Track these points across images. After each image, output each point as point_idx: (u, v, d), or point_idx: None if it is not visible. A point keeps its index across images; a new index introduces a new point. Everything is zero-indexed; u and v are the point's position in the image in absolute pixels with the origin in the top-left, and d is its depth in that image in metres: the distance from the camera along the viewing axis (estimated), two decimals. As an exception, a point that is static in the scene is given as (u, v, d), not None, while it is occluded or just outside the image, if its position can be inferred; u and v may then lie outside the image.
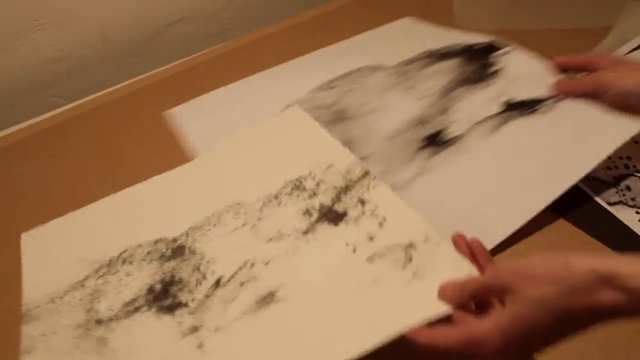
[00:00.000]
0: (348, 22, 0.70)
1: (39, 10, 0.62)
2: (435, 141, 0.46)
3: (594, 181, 0.45)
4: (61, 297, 0.38)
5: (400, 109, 0.49)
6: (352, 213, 0.39)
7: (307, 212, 0.40)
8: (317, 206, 0.40)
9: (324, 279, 0.35)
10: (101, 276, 0.39)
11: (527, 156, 0.44)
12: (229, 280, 0.37)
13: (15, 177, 0.51)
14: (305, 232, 0.39)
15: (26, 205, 0.48)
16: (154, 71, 0.63)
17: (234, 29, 0.80)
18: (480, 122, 0.46)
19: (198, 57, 0.65)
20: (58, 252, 0.41)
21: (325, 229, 0.39)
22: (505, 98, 0.48)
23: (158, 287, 0.37)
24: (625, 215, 0.42)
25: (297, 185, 0.42)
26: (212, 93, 0.57)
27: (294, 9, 0.75)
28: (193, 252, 0.39)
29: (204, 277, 0.37)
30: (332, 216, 0.39)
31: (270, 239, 0.39)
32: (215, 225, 0.41)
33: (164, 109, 0.56)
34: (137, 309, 0.36)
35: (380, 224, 0.38)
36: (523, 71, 0.50)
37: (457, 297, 0.31)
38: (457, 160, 0.44)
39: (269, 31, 0.69)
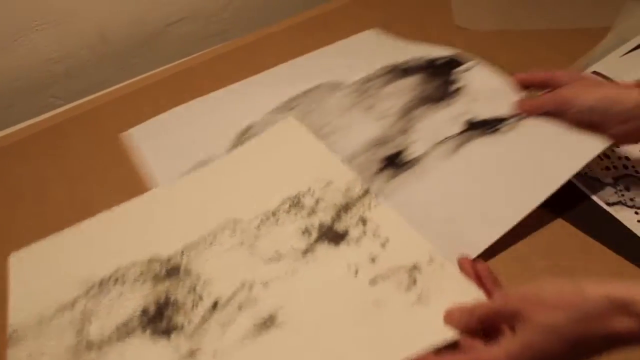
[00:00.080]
0: (347, 23, 0.70)
1: (37, 10, 0.62)
2: (395, 162, 0.44)
3: (593, 181, 0.45)
4: (50, 319, 0.36)
5: (360, 129, 0.48)
6: (353, 233, 0.38)
7: (306, 231, 0.39)
8: (316, 225, 0.39)
9: (325, 303, 0.34)
10: (92, 297, 0.37)
11: (489, 177, 0.42)
12: (226, 303, 0.35)
13: (14, 177, 0.51)
14: (305, 253, 0.37)
15: (25, 206, 0.48)
16: (153, 71, 0.63)
17: (234, 29, 0.80)
18: (440, 142, 0.45)
19: (198, 57, 0.65)
20: (47, 272, 0.39)
21: (325, 249, 0.37)
22: (466, 117, 0.47)
23: (152, 308, 0.36)
24: (624, 215, 0.42)
25: (296, 203, 0.41)
26: (169, 112, 0.54)
27: (294, 9, 0.74)
28: (188, 272, 0.37)
29: (200, 298, 0.36)
30: (332, 236, 0.38)
31: (269, 259, 0.37)
32: (211, 243, 0.39)
33: (163, 109, 0.56)
34: (130, 332, 0.35)
35: (383, 245, 0.37)
36: (485, 89, 0.49)
37: (465, 322, 0.31)
38: (415, 183, 0.43)
39: (268, 31, 0.69)
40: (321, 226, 0.39)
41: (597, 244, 0.41)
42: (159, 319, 0.35)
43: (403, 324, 0.32)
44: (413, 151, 0.45)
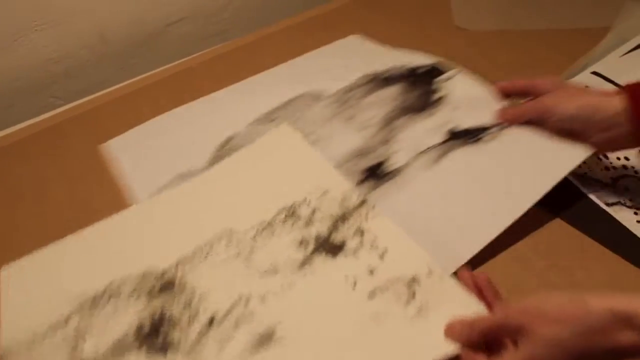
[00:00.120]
0: (347, 23, 0.70)
1: (37, 11, 0.62)
2: (376, 173, 0.44)
3: (592, 182, 0.45)
4: (43, 337, 0.35)
5: (341, 140, 0.47)
6: (351, 244, 0.37)
7: (303, 243, 0.38)
8: (313, 236, 0.38)
9: (324, 317, 0.34)
10: (86, 313, 0.36)
11: (471, 188, 0.42)
12: (223, 318, 0.34)
13: (14, 177, 0.51)
14: (302, 265, 0.37)
15: (25, 206, 0.48)
16: (152, 71, 0.63)
17: (234, 29, 0.80)
18: (422, 152, 0.45)
19: (197, 57, 0.65)
20: (39, 287, 0.38)
21: (322, 261, 0.37)
22: (448, 127, 0.46)
23: (147, 325, 0.35)
24: (624, 216, 0.42)
25: (292, 213, 0.40)
26: (148, 123, 0.53)
27: (293, 9, 0.74)
28: (184, 286, 0.36)
29: (197, 314, 0.35)
30: (329, 247, 0.37)
31: (265, 272, 0.36)
32: (206, 255, 0.38)
33: (163, 110, 0.56)
34: (126, 350, 0.33)
35: (381, 256, 0.36)
36: (467, 98, 0.49)
37: (466, 336, 0.30)
38: (397, 194, 0.42)
39: (268, 31, 0.69)
40: (318, 237, 0.38)
41: (596, 244, 0.41)
42: (154, 336, 0.34)
43: (403, 338, 0.32)
44: (395, 162, 0.44)
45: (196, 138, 0.50)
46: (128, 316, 0.35)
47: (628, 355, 0.26)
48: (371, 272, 0.35)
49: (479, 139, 0.44)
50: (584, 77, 0.56)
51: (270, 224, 0.39)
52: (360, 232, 0.38)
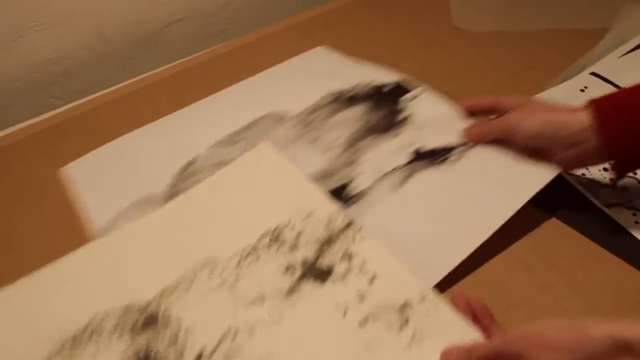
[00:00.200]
0: (347, 23, 0.70)
1: (36, 11, 0.62)
2: (341, 196, 0.43)
3: (592, 183, 0.46)
4: None
5: (305, 162, 0.46)
6: (339, 269, 0.36)
7: (289, 269, 0.36)
8: (299, 261, 0.37)
9: (315, 347, 0.33)
10: (66, 354, 0.33)
11: (436, 211, 0.41)
12: (211, 354, 0.33)
13: (13, 177, 0.51)
14: (289, 293, 0.35)
15: (24, 206, 0.48)
16: (152, 72, 0.63)
17: (233, 29, 0.80)
18: (387, 174, 0.44)
19: (197, 57, 0.65)
20: (13, 328, 0.35)
21: (310, 288, 0.35)
22: (414, 147, 0.46)
23: None
24: (623, 217, 0.43)
25: (276, 237, 0.38)
26: (108, 145, 0.51)
27: (293, 9, 0.74)
28: (168, 319, 0.35)
29: (184, 350, 0.33)
30: (317, 273, 0.36)
31: (252, 302, 0.35)
32: (189, 286, 0.36)
33: (162, 110, 0.56)
34: None
35: (370, 281, 0.35)
36: (432, 117, 0.48)
37: None
38: (361, 219, 0.41)
39: (268, 31, 0.69)
40: (304, 262, 0.37)
41: (595, 245, 0.41)
42: None
43: None
44: (359, 184, 0.43)
45: (156, 161, 0.48)
46: (112, 356, 0.33)
47: None
48: (361, 298, 0.34)
49: (445, 159, 0.44)
50: (583, 78, 0.57)
51: (254, 250, 0.38)
52: (348, 256, 0.37)
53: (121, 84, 0.62)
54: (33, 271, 0.39)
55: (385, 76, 0.54)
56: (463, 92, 0.58)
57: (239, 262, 0.37)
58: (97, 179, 0.48)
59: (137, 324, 0.35)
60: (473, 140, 0.45)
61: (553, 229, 0.42)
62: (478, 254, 0.39)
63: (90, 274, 0.38)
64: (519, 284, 0.39)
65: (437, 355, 0.31)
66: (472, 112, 0.47)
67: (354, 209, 0.42)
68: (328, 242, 0.38)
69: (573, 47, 0.62)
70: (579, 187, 0.45)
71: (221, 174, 0.45)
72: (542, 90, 0.56)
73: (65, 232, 0.44)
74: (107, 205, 0.45)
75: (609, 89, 0.55)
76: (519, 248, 0.41)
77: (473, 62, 0.62)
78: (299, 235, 0.38)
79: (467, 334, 0.31)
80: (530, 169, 0.42)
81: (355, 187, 0.43)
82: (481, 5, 0.72)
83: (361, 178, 0.44)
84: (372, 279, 0.35)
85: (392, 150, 0.46)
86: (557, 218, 0.43)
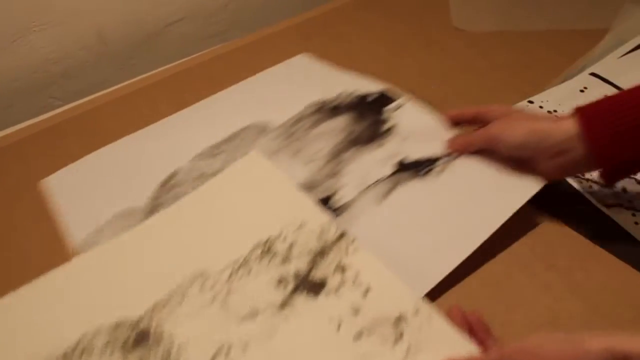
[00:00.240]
0: (347, 23, 0.70)
1: (35, 11, 0.62)
2: (325, 209, 0.42)
3: (591, 183, 0.46)
4: None
5: (288, 174, 0.45)
6: (332, 282, 0.35)
7: (282, 282, 0.36)
8: (291, 274, 0.36)
9: None
10: None
11: (421, 224, 0.41)
12: None
13: (12, 178, 0.51)
14: (282, 306, 0.34)
15: (24, 206, 0.48)
16: (151, 72, 0.63)
17: (233, 29, 0.80)
18: (371, 185, 0.43)
19: (196, 58, 0.65)
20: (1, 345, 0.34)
21: (303, 301, 0.35)
22: (398, 158, 0.45)
23: None
24: (622, 217, 0.43)
25: (268, 249, 0.38)
26: (90, 157, 0.51)
27: (293, 10, 0.75)
28: (160, 336, 0.34)
29: None
30: (310, 286, 0.35)
31: (244, 317, 0.34)
32: (181, 301, 0.36)
33: (162, 110, 0.56)
34: None
35: (364, 294, 0.34)
36: (416, 128, 0.48)
37: None
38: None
39: (268, 32, 0.69)
40: (297, 275, 0.36)
41: (595, 246, 0.41)
42: None
43: None
44: (342, 196, 0.43)
45: (138, 174, 0.48)
46: None
47: None
48: (355, 311, 0.34)
49: (429, 171, 0.43)
50: (583, 79, 0.57)
51: (245, 262, 0.37)
52: (341, 268, 0.36)
53: (121, 85, 0.62)
54: (34, 271, 0.39)
55: (368, 85, 0.53)
56: (463, 92, 0.58)
57: (230, 275, 0.37)
58: (77, 192, 0.47)
59: (128, 341, 0.34)
60: (457, 151, 0.44)
61: (552, 229, 0.42)
62: (477, 255, 0.39)
63: (79, 289, 0.37)
64: (519, 284, 0.39)
65: None
66: (455, 122, 0.46)
67: (338, 222, 0.41)
68: (321, 253, 0.37)
69: (573, 47, 0.62)
70: (578, 187, 0.45)
71: (211, 184, 0.44)
72: (542, 90, 0.56)
73: (64, 234, 0.44)
74: (87, 219, 0.44)
75: (608, 90, 0.55)
76: (518, 248, 0.41)
77: (473, 62, 0.62)
78: (291, 246, 0.38)
79: (463, 347, 0.31)
80: (515, 180, 0.41)
81: (339, 200, 0.43)
82: (481, 6, 0.72)
83: (345, 190, 0.43)
84: (366, 291, 0.35)
85: (376, 161, 0.45)
86: (557, 218, 0.43)
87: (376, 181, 0.43)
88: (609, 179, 0.39)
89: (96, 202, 0.45)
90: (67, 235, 0.43)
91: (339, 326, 0.33)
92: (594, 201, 0.44)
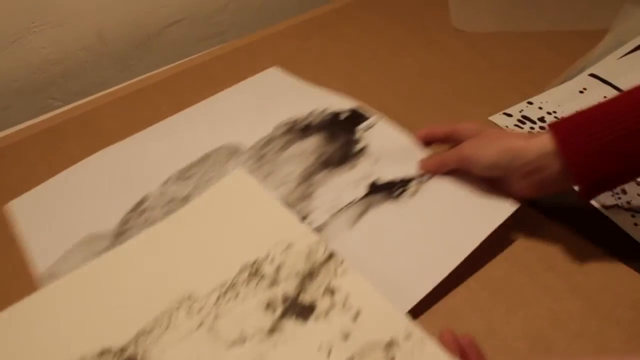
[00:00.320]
0: (347, 23, 0.70)
1: (35, 12, 0.61)
2: None
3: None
4: None
5: None
6: (321, 305, 0.34)
7: (270, 306, 0.35)
8: (280, 297, 0.35)
9: None
10: None
11: (393, 249, 0.40)
12: None
13: (12, 178, 0.51)
14: (271, 332, 0.34)
15: (23, 208, 0.48)
16: (151, 73, 0.63)
17: (232, 30, 0.80)
18: (343, 208, 0.42)
19: (196, 58, 0.65)
20: None
21: (292, 326, 0.34)
22: (370, 180, 0.44)
23: None
24: (621, 218, 0.43)
25: (255, 271, 0.37)
26: (55, 179, 0.49)
27: (292, 11, 0.75)
28: None
29: None
30: (298, 310, 0.34)
31: (232, 343, 0.33)
32: (167, 328, 0.34)
33: (162, 111, 0.56)
34: None
35: (354, 318, 0.34)
36: (388, 148, 0.47)
37: None
38: None
39: (267, 33, 0.69)
40: (285, 298, 0.35)
41: (594, 247, 0.41)
42: None
43: None
44: (313, 219, 0.42)
45: (106, 198, 0.46)
46: None
47: None
48: (345, 336, 0.33)
49: (402, 192, 0.43)
50: (582, 79, 0.57)
51: (233, 285, 0.36)
52: (331, 290, 0.35)
53: (120, 85, 0.62)
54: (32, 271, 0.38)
55: (340, 103, 0.52)
56: (463, 92, 0.58)
57: (217, 299, 0.36)
58: (40, 217, 0.45)
59: None
60: (429, 172, 0.44)
61: (552, 230, 0.42)
62: (478, 255, 0.39)
63: (60, 316, 0.35)
64: (519, 285, 0.39)
65: None
66: (427, 142, 0.46)
67: None
68: (309, 275, 0.36)
69: (572, 48, 0.62)
70: (577, 188, 0.45)
71: (195, 203, 0.42)
72: (542, 91, 0.56)
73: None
74: (50, 245, 0.42)
75: (608, 91, 0.55)
76: (518, 250, 0.41)
77: (473, 62, 0.62)
78: (278, 268, 0.37)
79: None
80: (488, 202, 0.41)
81: (310, 223, 0.41)
82: (480, 7, 0.72)
83: (316, 213, 0.42)
84: (356, 315, 0.34)
85: (347, 183, 0.44)
86: (556, 220, 0.43)
87: (348, 204, 0.43)
88: (587, 195, 0.37)
89: (62, 227, 0.44)
90: (31, 263, 0.42)
91: (329, 352, 0.32)
92: (593, 202, 0.44)
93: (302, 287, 0.36)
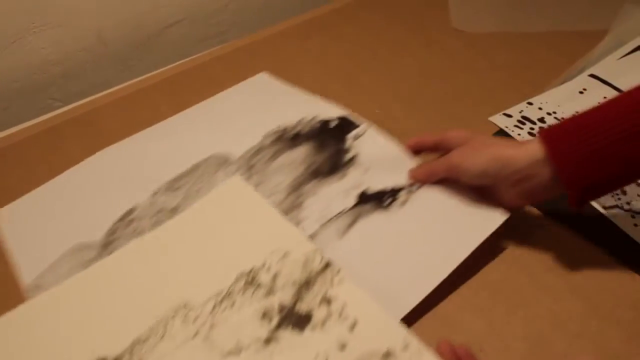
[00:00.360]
0: (347, 23, 0.70)
1: (35, 12, 0.61)
2: None
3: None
4: None
5: None
6: (318, 315, 0.34)
7: (266, 316, 0.35)
8: (276, 307, 0.35)
9: None
10: None
11: (383, 258, 0.39)
12: None
13: (11, 179, 0.51)
14: (267, 342, 0.33)
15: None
16: (151, 73, 0.63)
17: (232, 30, 0.80)
18: (332, 218, 0.42)
19: (196, 59, 0.65)
20: None
21: (289, 336, 0.33)
22: (360, 189, 0.44)
23: None
24: (621, 219, 0.43)
25: (251, 280, 0.36)
26: (44, 187, 0.48)
27: (293, 11, 0.75)
28: None
29: None
30: (295, 320, 0.34)
31: (229, 353, 0.33)
32: (162, 337, 0.34)
33: (162, 111, 0.56)
34: None
35: (351, 328, 0.33)
36: (378, 157, 0.46)
37: None
38: None
39: (267, 33, 0.69)
40: (282, 308, 0.35)
41: (594, 247, 0.41)
42: None
43: None
44: (303, 229, 0.41)
45: (94, 207, 0.45)
46: None
47: None
48: (342, 347, 0.33)
49: (392, 201, 0.43)
50: (582, 80, 0.57)
51: (229, 294, 0.36)
52: (327, 300, 0.35)
53: (120, 86, 0.62)
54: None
55: (329, 110, 0.52)
56: (463, 92, 0.58)
57: (213, 308, 0.35)
58: (26, 228, 0.45)
59: None
60: (419, 181, 0.44)
61: (552, 231, 0.42)
62: (477, 255, 0.39)
63: (53, 326, 0.35)
64: (519, 285, 0.39)
65: None
66: (416, 151, 0.46)
67: None
68: (306, 284, 0.36)
69: (572, 48, 0.62)
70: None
71: (191, 211, 0.42)
72: (542, 91, 0.56)
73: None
74: (39, 256, 0.42)
75: (608, 91, 0.55)
76: (518, 250, 0.41)
77: (473, 62, 0.62)
78: (275, 277, 0.36)
79: None
80: (478, 211, 0.41)
81: None
82: (480, 7, 0.72)
83: (306, 223, 0.42)
84: (353, 325, 0.33)
85: (337, 193, 0.44)
86: (556, 220, 0.43)
87: (338, 213, 0.42)
88: (577, 203, 0.37)
89: (48, 238, 0.43)
90: (18, 273, 0.41)
91: None
92: (593, 203, 0.44)
93: (298, 296, 0.35)
